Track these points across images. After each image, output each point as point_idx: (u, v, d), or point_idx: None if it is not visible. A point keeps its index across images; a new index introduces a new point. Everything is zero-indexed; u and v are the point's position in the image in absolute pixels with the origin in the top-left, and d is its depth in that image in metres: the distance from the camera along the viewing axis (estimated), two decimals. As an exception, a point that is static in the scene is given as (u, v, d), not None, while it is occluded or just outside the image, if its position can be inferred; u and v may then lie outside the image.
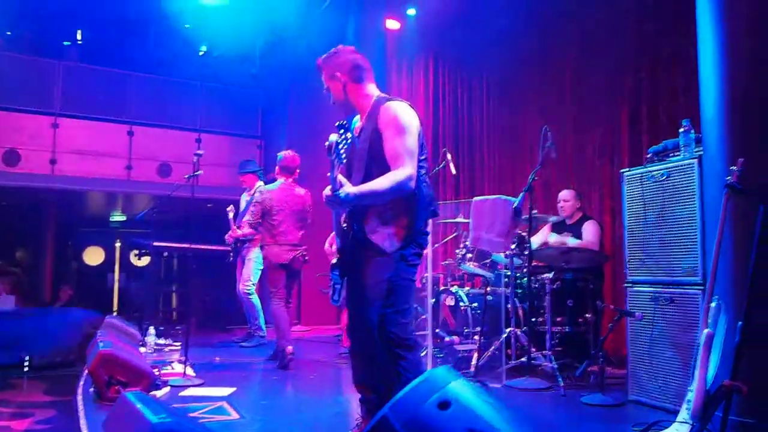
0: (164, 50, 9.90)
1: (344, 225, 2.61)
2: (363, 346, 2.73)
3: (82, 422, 3.14)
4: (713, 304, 2.71)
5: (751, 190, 2.72)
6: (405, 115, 2.56)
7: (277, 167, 5.52)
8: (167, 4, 8.58)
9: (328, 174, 2.41)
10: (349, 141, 2.66)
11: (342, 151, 2.47)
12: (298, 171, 5.49)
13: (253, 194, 6.22)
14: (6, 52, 8.96)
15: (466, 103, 7.80)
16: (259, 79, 9.99)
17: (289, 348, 4.95)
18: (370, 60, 2.82)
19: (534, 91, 6.95)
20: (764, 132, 2.90)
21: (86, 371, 4.29)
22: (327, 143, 2.48)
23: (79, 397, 3.70)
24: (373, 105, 2.68)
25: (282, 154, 5.55)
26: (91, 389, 3.86)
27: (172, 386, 4.02)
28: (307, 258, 5.42)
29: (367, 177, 2.48)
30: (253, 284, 6.39)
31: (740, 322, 2.51)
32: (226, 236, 6.23)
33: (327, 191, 2.48)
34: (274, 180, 5.58)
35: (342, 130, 2.48)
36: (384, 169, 2.48)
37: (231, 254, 6.49)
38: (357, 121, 2.80)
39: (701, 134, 3.27)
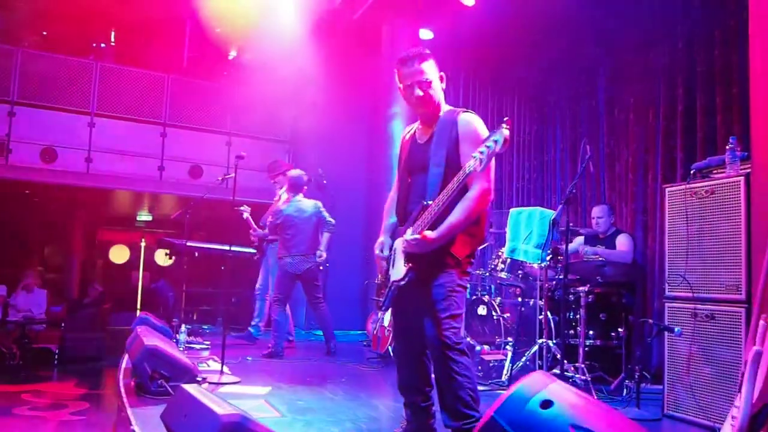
0: (197, 53, 10.06)
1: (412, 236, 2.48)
2: (411, 350, 2.77)
3: (129, 412, 3.21)
4: (762, 322, 2.71)
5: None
6: (482, 129, 2.60)
7: (287, 184, 6.11)
8: (201, 7, 8.74)
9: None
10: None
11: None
12: (305, 187, 6.04)
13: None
14: (44, 52, 9.15)
15: (496, 118, 7.84)
16: (289, 83, 10.08)
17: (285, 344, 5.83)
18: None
19: (565, 106, 6.98)
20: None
21: (127, 364, 4.38)
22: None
23: (122, 390, 3.77)
24: (447, 113, 2.69)
25: (291, 173, 6.15)
26: (132, 382, 3.93)
27: (210, 383, 4.09)
28: (322, 268, 5.93)
29: (445, 183, 2.46)
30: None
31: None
32: (251, 235, 6.58)
33: (409, 236, 2.45)
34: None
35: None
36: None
37: (256, 253, 6.71)
38: (414, 127, 2.84)
39: (748, 152, 3.29)
